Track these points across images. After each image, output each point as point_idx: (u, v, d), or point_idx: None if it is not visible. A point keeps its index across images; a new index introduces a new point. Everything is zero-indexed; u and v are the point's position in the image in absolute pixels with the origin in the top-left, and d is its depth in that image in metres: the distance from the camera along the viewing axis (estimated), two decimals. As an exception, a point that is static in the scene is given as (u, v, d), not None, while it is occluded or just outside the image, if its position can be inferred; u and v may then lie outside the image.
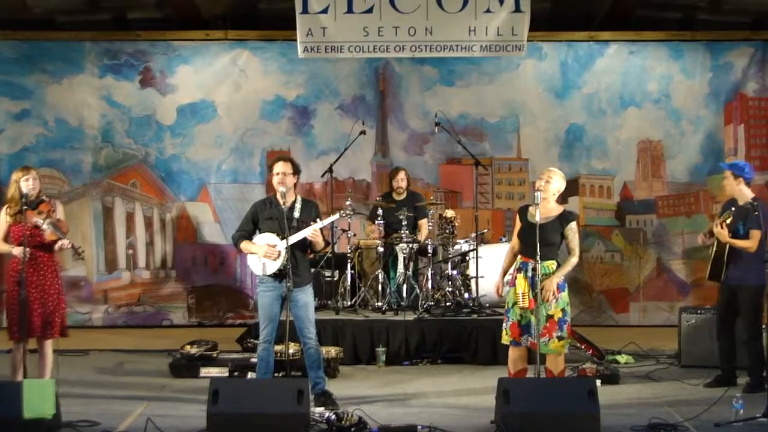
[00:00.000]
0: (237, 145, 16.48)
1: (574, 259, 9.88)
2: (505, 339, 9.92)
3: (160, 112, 16.43)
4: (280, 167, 10.29)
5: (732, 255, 10.95)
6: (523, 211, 10.01)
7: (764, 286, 11.04)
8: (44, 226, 10.05)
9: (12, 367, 10.25)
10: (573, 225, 9.97)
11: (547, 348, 9.73)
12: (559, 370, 9.90)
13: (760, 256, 10.84)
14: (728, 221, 10.85)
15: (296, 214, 10.29)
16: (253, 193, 16.10)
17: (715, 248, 11.15)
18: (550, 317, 9.72)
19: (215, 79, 16.49)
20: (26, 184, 10.11)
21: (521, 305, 9.68)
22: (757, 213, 10.43)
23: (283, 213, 10.18)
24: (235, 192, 16.43)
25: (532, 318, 9.67)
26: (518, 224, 10.04)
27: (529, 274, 9.71)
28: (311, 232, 10.17)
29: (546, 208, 9.85)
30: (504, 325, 9.93)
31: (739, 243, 10.86)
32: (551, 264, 9.79)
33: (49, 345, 10.32)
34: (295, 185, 10.46)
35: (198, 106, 16.45)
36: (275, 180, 10.29)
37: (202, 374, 11.94)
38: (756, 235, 10.78)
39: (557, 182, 9.96)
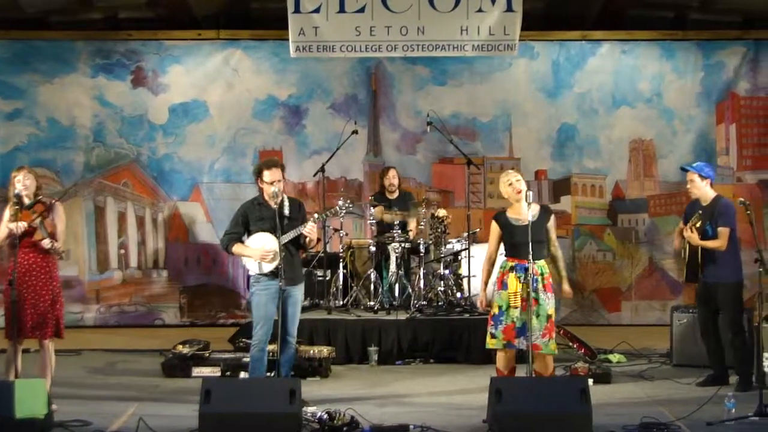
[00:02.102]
0: (229, 145, 16.48)
1: (561, 252, 10.07)
2: (494, 343, 9.80)
3: (152, 111, 16.43)
4: (275, 175, 10.27)
5: (706, 255, 11.02)
6: (502, 217, 9.95)
7: (742, 282, 11.25)
8: (35, 225, 10.03)
9: (5, 366, 10.23)
10: (553, 217, 10.10)
11: (548, 348, 9.71)
12: (549, 372, 9.90)
13: (734, 252, 11.05)
14: (698, 225, 10.91)
15: (286, 212, 10.32)
16: (246, 193, 16.00)
17: (688, 250, 11.20)
18: (549, 317, 9.72)
19: (207, 79, 16.49)
20: (18, 184, 10.12)
21: (513, 305, 9.67)
22: (749, 212, 10.45)
23: (275, 213, 10.20)
24: (227, 191, 16.43)
25: (534, 320, 9.65)
26: (497, 231, 9.93)
27: (524, 273, 9.70)
28: (309, 228, 10.21)
29: (525, 208, 9.84)
30: (491, 329, 9.82)
31: (710, 244, 10.96)
32: (543, 263, 9.81)
33: (47, 346, 10.27)
34: None
35: (190, 106, 16.46)
36: (271, 188, 10.25)
37: (194, 374, 11.93)
38: (724, 233, 10.94)
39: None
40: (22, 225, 9.95)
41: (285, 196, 10.47)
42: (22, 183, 10.12)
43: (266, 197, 10.26)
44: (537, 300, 9.66)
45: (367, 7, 14.39)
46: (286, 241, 10.17)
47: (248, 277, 10.63)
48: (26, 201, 10.10)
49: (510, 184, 9.89)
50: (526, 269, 9.64)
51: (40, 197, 10.27)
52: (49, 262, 10.28)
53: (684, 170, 11.46)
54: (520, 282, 9.67)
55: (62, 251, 10.28)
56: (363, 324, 13.15)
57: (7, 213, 10.11)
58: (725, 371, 11.28)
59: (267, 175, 10.26)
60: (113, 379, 12.07)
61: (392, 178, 14.53)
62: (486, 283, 10.06)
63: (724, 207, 11.03)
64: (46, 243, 10.07)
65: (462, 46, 14.58)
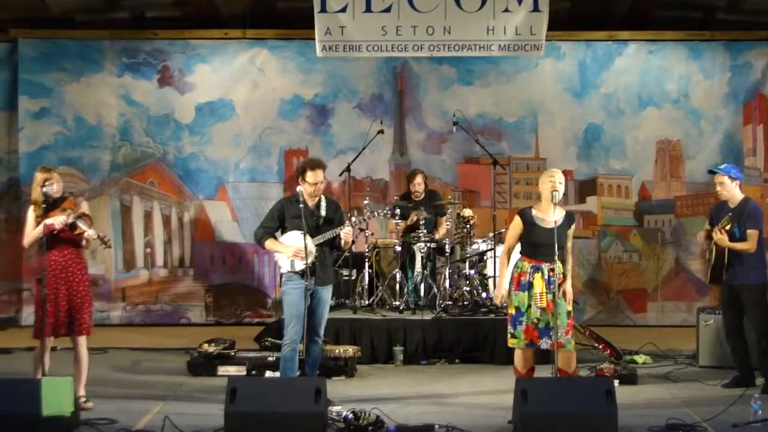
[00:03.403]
0: (255, 144, 16.50)
1: (571, 257, 10.05)
2: (514, 342, 9.81)
3: (179, 110, 16.47)
4: (317, 177, 10.28)
5: (732, 257, 10.96)
6: (527, 214, 9.90)
7: (767, 284, 11.10)
8: (70, 221, 10.06)
9: (33, 364, 10.26)
10: (574, 225, 10.07)
11: (571, 345, 9.73)
12: (573, 369, 9.89)
13: (760, 255, 11.03)
14: (728, 227, 10.85)
15: (322, 212, 10.35)
16: (271, 192, 16.15)
17: (714, 252, 11.13)
18: (569, 313, 9.74)
19: (233, 78, 16.52)
20: (50, 188, 10.12)
21: (539, 305, 9.64)
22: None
23: (311, 212, 10.24)
24: (252, 191, 16.46)
25: (551, 319, 9.64)
26: (519, 227, 9.89)
27: (546, 275, 9.68)
28: (347, 231, 10.23)
29: (554, 210, 9.79)
30: (510, 329, 9.83)
31: (740, 246, 10.90)
32: (560, 264, 9.78)
33: (81, 342, 10.31)
34: None
35: (216, 105, 16.49)
36: (310, 189, 10.27)
37: (219, 373, 11.96)
38: (754, 235, 10.89)
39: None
40: (62, 219, 9.98)
41: (323, 197, 10.49)
42: (54, 188, 10.14)
43: (306, 195, 10.26)
44: (555, 301, 9.64)
45: (393, 7, 14.43)
46: (321, 241, 10.20)
47: (281, 275, 10.61)
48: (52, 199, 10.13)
49: (551, 182, 9.83)
50: (549, 270, 9.64)
51: (65, 194, 10.29)
52: (83, 258, 10.34)
53: (712, 173, 11.40)
54: (544, 281, 9.66)
55: (108, 239, 10.33)
56: (388, 324, 13.15)
57: (32, 214, 10.12)
58: (751, 373, 11.22)
59: (310, 175, 10.25)
60: (139, 378, 12.11)
61: (418, 185, 14.45)
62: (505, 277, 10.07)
63: (753, 209, 10.99)
64: (93, 234, 10.12)
65: (488, 46, 14.60)
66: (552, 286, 9.64)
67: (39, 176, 10.19)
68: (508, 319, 9.92)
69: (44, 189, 10.07)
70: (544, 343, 9.69)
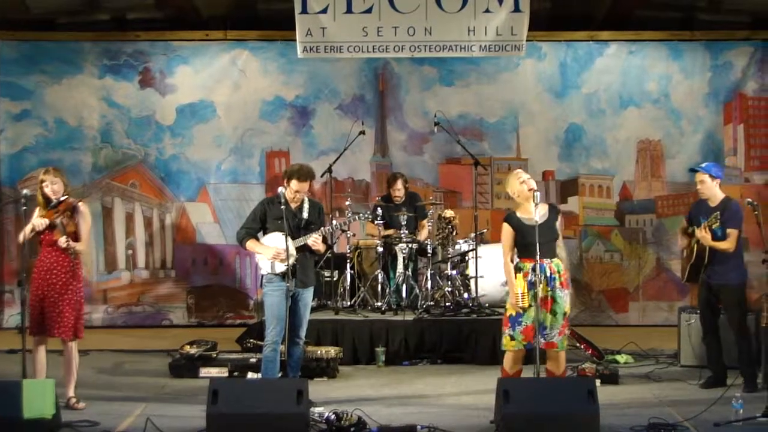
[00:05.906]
0: (236, 146, 16.47)
1: (565, 252, 10.08)
2: (513, 345, 9.73)
3: (160, 112, 16.42)
4: (302, 188, 10.35)
5: (712, 256, 11.00)
6: (512, 218, 9.90)
7: (746, 283, 11.28)
8: (48, 223, 10.11)
9: (32, 366, 10.23)
10: (560, 216, 10.21)
11: (563, 345, 9.73)
12: (561, 371, 9.88)
13: (740, 255, 11.12)
14: (714, 225, 10.86)
15: (305, 215, 10.38)
16: (253, 193, 16.12)
17: (695, 251, 11.15)
18: (565, 314, 9.72)
19: (215, 80, 16.47)
20: (46, 188, 10.20)
21: (520, 305, 9.62)
22: (757, 213, 10.44)
23: (293, 215, 10.25)
24: (234, 192, 16.43)
25: (551, 318, 9.65)
26: (510, 233, 9.87)
27: (547, 272, 9.66)
28: (312, 240, 10.24)
29: (533, 207, 9.76)
30: (508, 331, 9.76)
31: (720, 245, 10.94)
32: (558, 261, 9.78)
33: (67, 344, 10.32)
34: None
35: (197, 107, 16.45)
36: (290, 195, 10.30)
37: (201, 374, 11.97)
38: (734, 234, 10.95)
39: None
40: (44, 221, 10.07)
41: (307, 199, 10.51)
42: (50, 188, 10.19)
43: (288, 198, 10.27)
44: (554, 298, 9.64)
45: (374, 8, 14.40)
46: (300, 244, 10.22)
47: (262, 276, 10.59)
48: (53, 200, 10.19)
49: (522, 182, 9.84)
50: (543, 269, 9.62)
51: (66, 197, 10.32)
52: (73, 261, 10.34)
53: (693, 171, 11.43)
54: (525, 281, 9.65)
55: (78, 251, 10.33)
56: (370, 324, 13.15)
57: (36, 213, 10.24)
58: (725, 372, 11.27)
59: (295, 184, 10.29)
60: (121, 380, 12.10)
61: (398, 191, 14.44)
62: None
63: (734, 209, 11.01)
64: (62, 241, 10.16)
65: (469, 47, 14.58)
66: (552, 283, 9.65)
67: (39, 177, 10.39)
68: (504, 321, 9.85)
69: (44, 191, 10.19)
70: (537, 342, 9.63)
